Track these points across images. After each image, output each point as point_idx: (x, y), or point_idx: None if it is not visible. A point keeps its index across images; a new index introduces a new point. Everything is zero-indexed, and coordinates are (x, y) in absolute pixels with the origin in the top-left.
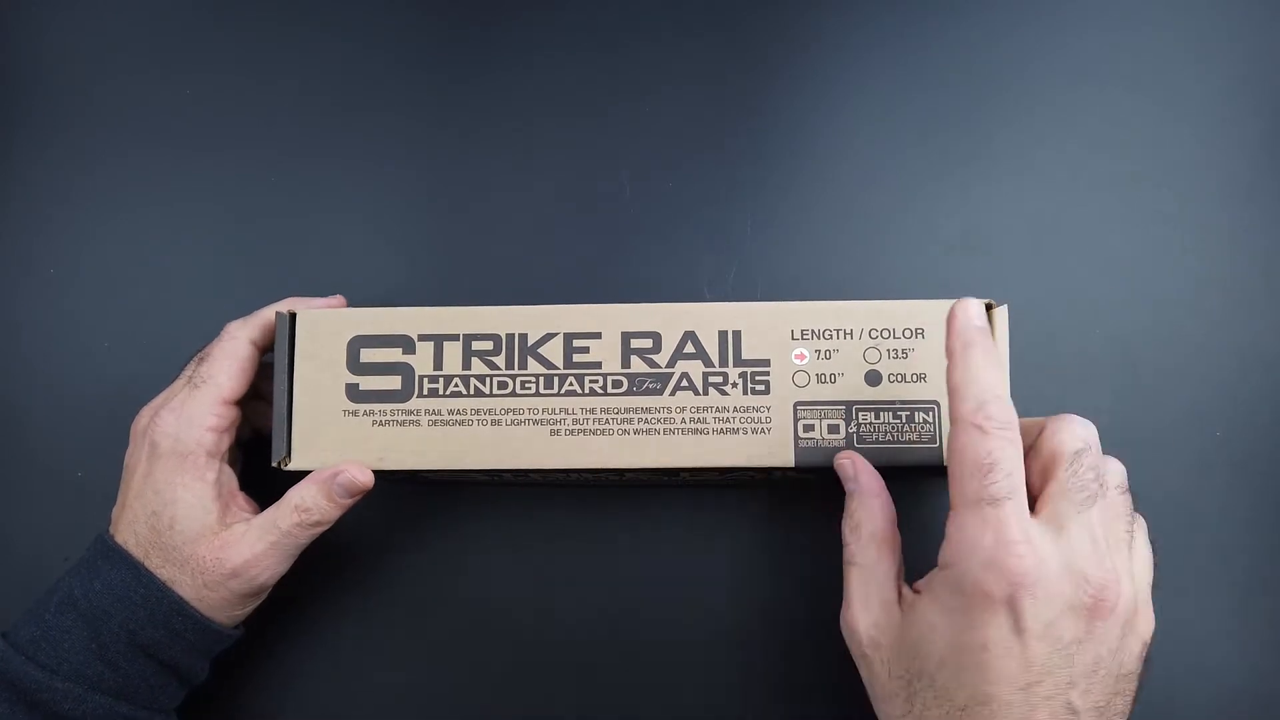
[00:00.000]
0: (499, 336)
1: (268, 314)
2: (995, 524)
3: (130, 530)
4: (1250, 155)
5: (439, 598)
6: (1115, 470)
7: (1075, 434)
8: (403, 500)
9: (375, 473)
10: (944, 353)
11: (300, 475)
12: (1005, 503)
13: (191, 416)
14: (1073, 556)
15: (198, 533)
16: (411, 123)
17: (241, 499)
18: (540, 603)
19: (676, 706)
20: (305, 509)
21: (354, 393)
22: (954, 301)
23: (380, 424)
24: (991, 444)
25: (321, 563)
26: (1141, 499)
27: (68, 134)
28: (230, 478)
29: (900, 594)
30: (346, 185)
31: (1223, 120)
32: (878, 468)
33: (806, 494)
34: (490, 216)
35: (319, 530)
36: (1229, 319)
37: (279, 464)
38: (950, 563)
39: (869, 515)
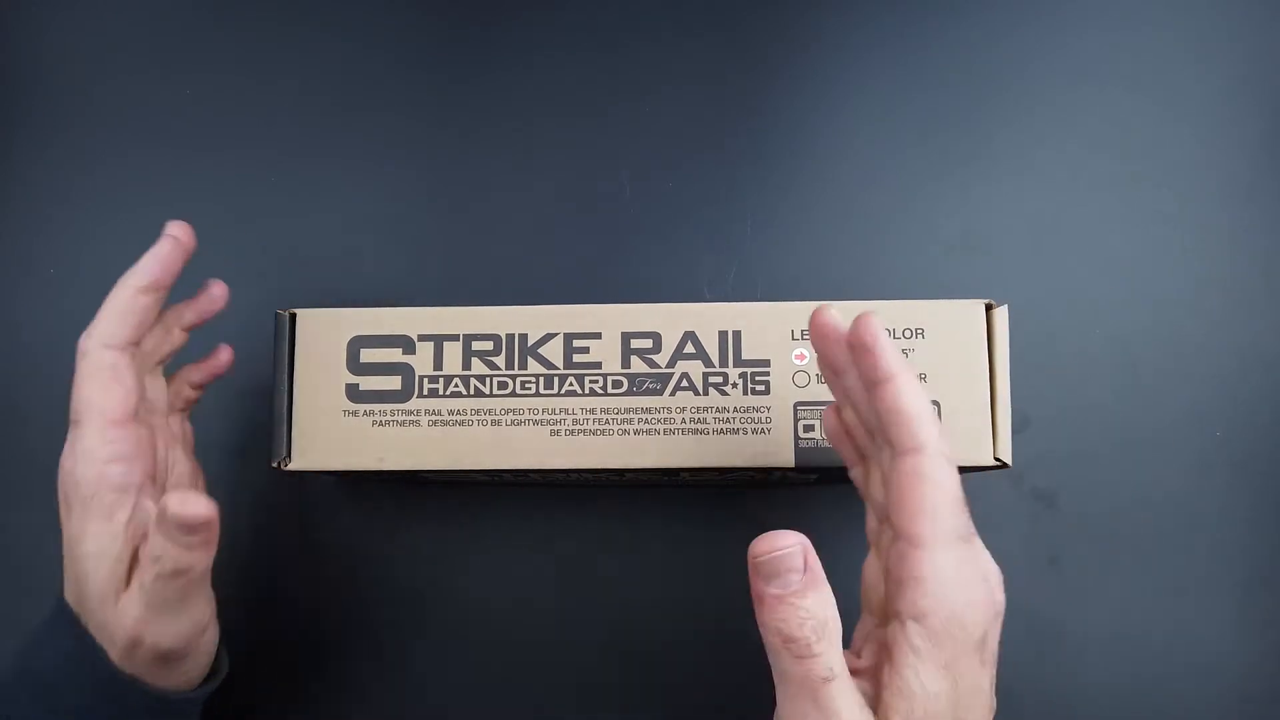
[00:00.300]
0: (499, 336)
1: (109, 306)
2: (977, 561)
3: (71, 594)
4: (1250, 155)
5: (439, 598)
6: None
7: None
8: (403, 500)
9: (375, 473)
10: (873, 372)
11: (300, 476)
12: (976, 536)
13: (86, 453)
14: (984, 569)
15: (104, 591)
16: (411, 123)
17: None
18: (540, 603)
19: (676, 707)
20: (155, 558)
21: (354, 393)
22: (840, 311)
23: (380, 424)
24: (956, 475)
25: (321, 563)
26: (1141, 499)
27: (68, 134)
28: (146, 516)
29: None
30: (346, 185)
31: (1223, 120)
32: None
33: (806, 494)
34: (490, 216)
35: (184, 579)
36: (1229, 319)
37: (278, 464)
38: (930, 610)
39: (829, 608)
